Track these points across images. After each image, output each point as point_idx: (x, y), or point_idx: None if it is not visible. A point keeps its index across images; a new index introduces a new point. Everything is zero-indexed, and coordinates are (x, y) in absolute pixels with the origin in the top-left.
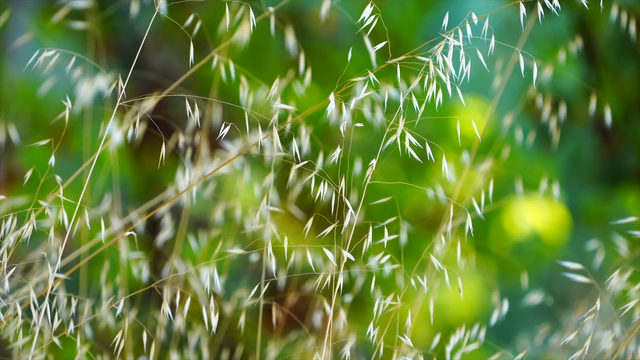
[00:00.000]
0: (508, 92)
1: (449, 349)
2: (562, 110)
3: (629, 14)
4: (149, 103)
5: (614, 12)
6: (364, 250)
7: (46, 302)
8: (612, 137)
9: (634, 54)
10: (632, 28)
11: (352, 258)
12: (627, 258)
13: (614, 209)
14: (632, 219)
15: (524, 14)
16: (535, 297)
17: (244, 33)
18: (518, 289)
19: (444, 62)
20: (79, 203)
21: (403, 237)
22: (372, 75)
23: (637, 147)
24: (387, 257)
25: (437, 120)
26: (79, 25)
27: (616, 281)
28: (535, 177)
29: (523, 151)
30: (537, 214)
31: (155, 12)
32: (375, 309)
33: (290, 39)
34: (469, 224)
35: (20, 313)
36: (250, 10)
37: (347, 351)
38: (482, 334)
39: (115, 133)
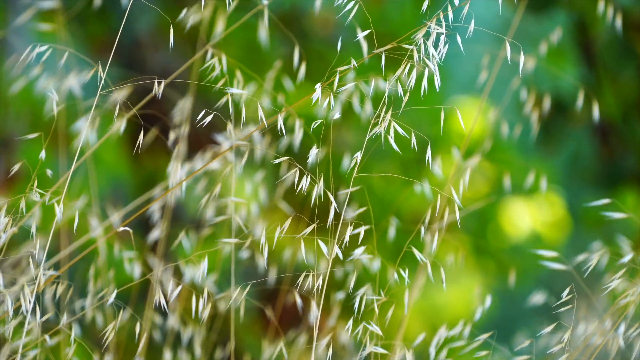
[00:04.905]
0: (507, 93)
1: (433, 345)
2: (546, 103)
3: (626, 15)
4: (124, 92)
5: (610, 13)
6: (343, 246)
7: (41, 298)
8: (611, 139)
9: (632, 56)
10: (629, 29)
11: (341, 256)
12: (628, 258)
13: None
14: (623, 215)
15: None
16: (536, 298)
17: (219, 24)
18: (517, 290)
19: (425, 48)
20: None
21: (392, 233)
22: (354, 62)
23: (636, 149)
24: (368, 252)
25: (434, 121)
26: (44, 27)
27: (611, 278)
28: (534, 177)
29: (519, 150)
30: (536, 215)
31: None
32: (356, 304)
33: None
34: (446, 218)
35: (11, 310)
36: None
37: (330, 351)
38: (467, 330)
39: (88, 130)
